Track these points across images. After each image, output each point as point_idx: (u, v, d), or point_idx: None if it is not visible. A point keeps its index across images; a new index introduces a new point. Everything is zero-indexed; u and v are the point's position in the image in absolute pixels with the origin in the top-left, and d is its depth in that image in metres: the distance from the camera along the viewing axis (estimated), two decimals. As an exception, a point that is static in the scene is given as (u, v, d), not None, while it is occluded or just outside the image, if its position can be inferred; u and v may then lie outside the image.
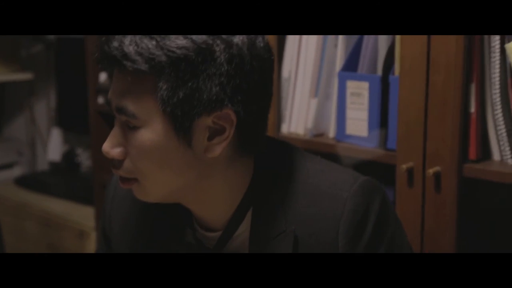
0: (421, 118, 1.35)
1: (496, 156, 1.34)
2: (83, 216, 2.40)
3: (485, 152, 1.35)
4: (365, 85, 1.49)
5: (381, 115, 1.47)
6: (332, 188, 0.96)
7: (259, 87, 0.91)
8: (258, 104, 0.92)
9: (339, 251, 0.95)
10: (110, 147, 0.91)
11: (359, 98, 1.50)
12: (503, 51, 1.28)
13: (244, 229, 0.99)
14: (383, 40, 1.46)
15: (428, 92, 1.34)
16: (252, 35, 0.91)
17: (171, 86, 0.86)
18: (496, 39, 1.28)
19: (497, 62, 1.29)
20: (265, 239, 0.96)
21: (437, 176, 1.33)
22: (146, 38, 0.87)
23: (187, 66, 0.86)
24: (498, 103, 1.31)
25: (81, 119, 2.50)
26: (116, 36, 0.88)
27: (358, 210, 0.94)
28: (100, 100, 2.30)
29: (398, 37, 1.39)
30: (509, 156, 1.32)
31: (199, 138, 0.90)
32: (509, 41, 1.26)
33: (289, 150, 1.02)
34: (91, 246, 2.32)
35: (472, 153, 1.33)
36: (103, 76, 2.29)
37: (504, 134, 1.31)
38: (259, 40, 0.92)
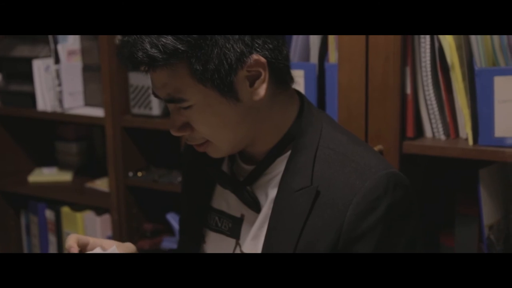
0: (362, 101, 1.45)
1: (428, 133, 1.47)
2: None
3: (418, 130, 1.47)
4: (300, 72, 1.56)
5: (317, 101, 1.55)
6: (364, 166, 1.02)
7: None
8: (276, 42, 1.03)
9: (344, 223, 0.99)
10: (177, 130, 1.04)
11: (295, 85, 1.56)
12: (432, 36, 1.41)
13: (277, 172, 1.07)
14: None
15: (368, 76, 1.43)
16: None
17: (202, 64, 0.96)
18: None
19: (428, 46, 1.41)
20: (290, 189, 1.03)
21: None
22: (161, 36, 0.95)
23: (207, 41, 0.96)
24: (430, 84, 1.43)
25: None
26: (133, 41, 0.96)
27: (374, 192, 0.99)
28: (-3, 102, 2.17)
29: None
30: (441, 132, 1.45)
31: (243, 90, 1.00)
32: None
33: (329, 116, 1.14)
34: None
35: (410, 131, 1.45)
36: (-2, 77, 2.16)
37: (437, 113, 1.44)
38: None
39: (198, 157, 1.12)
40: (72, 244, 1.06)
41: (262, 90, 1.01)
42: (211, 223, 1.16)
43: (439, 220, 1.60)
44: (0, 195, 2.21)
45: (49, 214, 2.13)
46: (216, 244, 1.15)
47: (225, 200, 1.14)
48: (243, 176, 1.10)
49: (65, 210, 2.09)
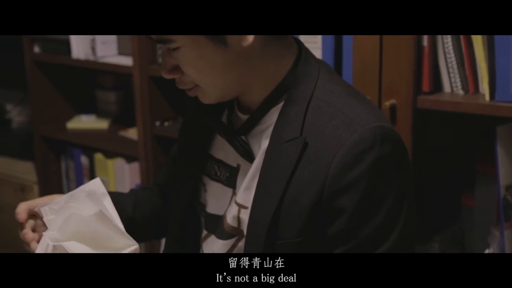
0: (376, 51, 1.40)
1: (446, 88, 1.40)
2: (22, 170, 2.34)
3: (436, 84, 1.41)
4: (318, 23, 1.51)
5: (335, 53, 1.51)
6: (353, 119, 0.99)
7: None
8: None
9: (328, 175, 0.97)
10: (167, 72, 1.04)
11: (313, 37, 1.52)
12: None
13: (271, 122, 1.06)
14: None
15: (383, 27, 1.38)
16: None
17: None
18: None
19: (448, -4, 1.34)
20: (281, 140, 1.02)
21: (392, 108, 1.39)
22: None
23: None
24: (449, 36, 1.36)
25: (11, 73, 2.41)
26: None
27: (359, 145, 0.96)
28: (37, 49, 2.23)
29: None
30: (459, 87, 1.38)
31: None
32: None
33: (328, 66, 1.10)
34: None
35: (425, 86, 1.39)
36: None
37: (455, 66, 1.37)
38: None
39: (200, 106, 1.12)
40: (20, 211, 1.11)
41: (250, 36, 0.99)
42: (211, 172, 1.17)
43: (460, 179, 1.55)
44: (42, 140, 2.30)
45: (84, 160, 2.20)
46: (215, 193, 1.16)
47: (223, 150, 1.14)
48: (239, 126, 1.10)
49: (98, 156, 2.14)
